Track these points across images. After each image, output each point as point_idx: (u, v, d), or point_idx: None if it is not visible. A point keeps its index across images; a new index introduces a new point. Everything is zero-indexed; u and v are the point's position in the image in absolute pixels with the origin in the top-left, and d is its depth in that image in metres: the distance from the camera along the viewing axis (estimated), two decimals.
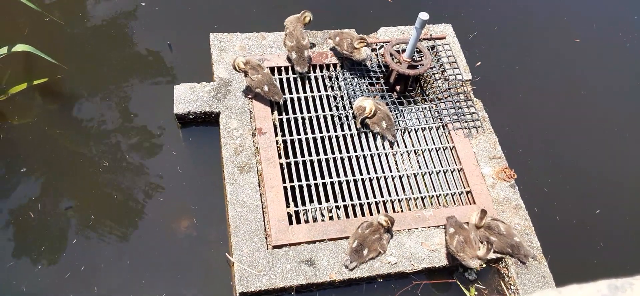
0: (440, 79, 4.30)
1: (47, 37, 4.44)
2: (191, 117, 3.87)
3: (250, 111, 3.87)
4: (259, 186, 3.56)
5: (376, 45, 4.39)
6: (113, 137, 3.93)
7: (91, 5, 4.77)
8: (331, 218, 3.54)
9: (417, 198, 3.73)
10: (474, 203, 3.70)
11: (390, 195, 3.70)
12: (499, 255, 3.46)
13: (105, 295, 3.26)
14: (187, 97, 3.86)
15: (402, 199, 3.70)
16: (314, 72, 4.20)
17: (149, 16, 4.74)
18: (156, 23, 4.71)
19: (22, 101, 4.01)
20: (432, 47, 4.47)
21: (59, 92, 4.10)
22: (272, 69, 4.13)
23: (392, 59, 4.03)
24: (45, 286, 3.24)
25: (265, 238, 3.35)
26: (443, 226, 3.52)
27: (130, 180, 3.74)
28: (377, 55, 4.36)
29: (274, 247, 3.31)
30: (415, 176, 3.83)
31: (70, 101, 4.07)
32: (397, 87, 4.17)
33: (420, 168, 3.89)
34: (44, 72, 4.15)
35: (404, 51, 4.09)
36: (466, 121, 4.09)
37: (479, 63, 4.74)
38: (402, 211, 3.64)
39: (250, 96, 3.90)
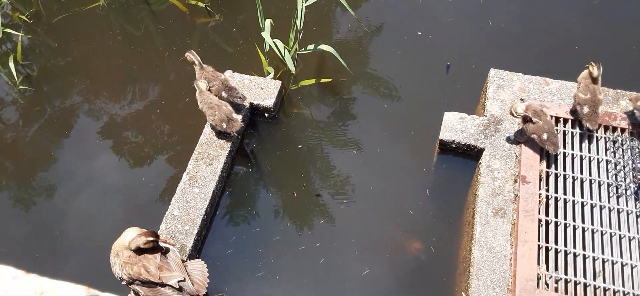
0: None
1: (348, 44, 4.97)
2: (453, 146, 3.87)
3: (517, 156, 3.68)
4: (510, 236, 3.37)
5: None
6: (371, 140, 4.22)
7: (400, 20, 5.15)
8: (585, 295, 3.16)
9: None
10: None
11: None
12: None
13: (326, 265, 3.64)
14: (455, 126, 3.87)
15: None
16: (596, 132, 3.79)
17: (438, 39, 4.93)
18: (441, 45, 4.86)
19: (306, 92, 4.55)
20: None
21: (337, 93, 4.54)
22: None
23: None
24: (278, 253, 3.70)
25: (507, 291, 3.15)
26: None
27: (380, 182, 3.98)
28: None
29: None
30: None
31: (342, 103, 4.48)
32: None
33: None
34: (331, 73, 4.67)
35: None
36: None
37: None
38: None
39: (520, 141, 3.71)
